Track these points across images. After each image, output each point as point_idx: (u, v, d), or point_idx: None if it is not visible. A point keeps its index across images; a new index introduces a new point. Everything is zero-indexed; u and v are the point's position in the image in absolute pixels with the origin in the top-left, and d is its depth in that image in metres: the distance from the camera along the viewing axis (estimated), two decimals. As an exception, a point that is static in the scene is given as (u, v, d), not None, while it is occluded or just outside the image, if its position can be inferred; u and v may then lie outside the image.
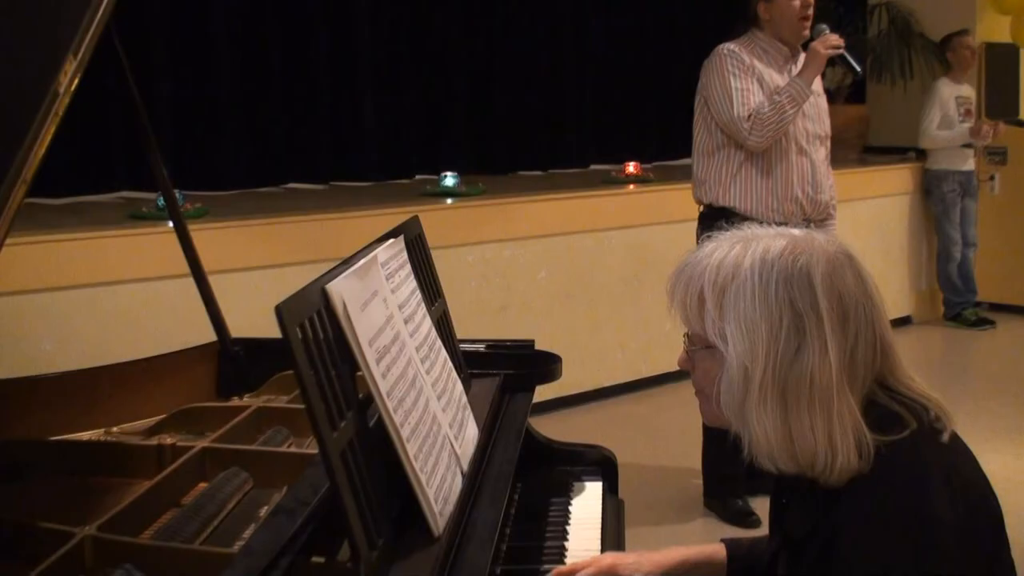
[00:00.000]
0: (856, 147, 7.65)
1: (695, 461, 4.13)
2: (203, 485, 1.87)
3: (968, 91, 7.06)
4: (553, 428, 2.54)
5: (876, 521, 1.33)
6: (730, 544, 1.81)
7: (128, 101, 2.22)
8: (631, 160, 6.29)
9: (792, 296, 1.37)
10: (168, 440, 2.02)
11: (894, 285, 7.16)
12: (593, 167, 7.16)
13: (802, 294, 1.37)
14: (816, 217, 3.93)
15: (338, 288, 1.44)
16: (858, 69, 3.97)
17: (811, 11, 3.79)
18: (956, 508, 1.34)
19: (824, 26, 3.82)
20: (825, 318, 1.37)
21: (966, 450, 1.47)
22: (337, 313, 1.42)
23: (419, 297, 1.83)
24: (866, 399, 1.41)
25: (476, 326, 4.57)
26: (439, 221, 4.88)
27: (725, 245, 1.45)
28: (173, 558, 1.53)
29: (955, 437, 1.45)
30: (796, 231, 1.47)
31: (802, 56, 3.86)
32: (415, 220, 2.08)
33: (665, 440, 4.77)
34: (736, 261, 1.42)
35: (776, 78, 3.82)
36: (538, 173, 6.94)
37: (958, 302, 7.12)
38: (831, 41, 3.76)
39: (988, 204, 7.27)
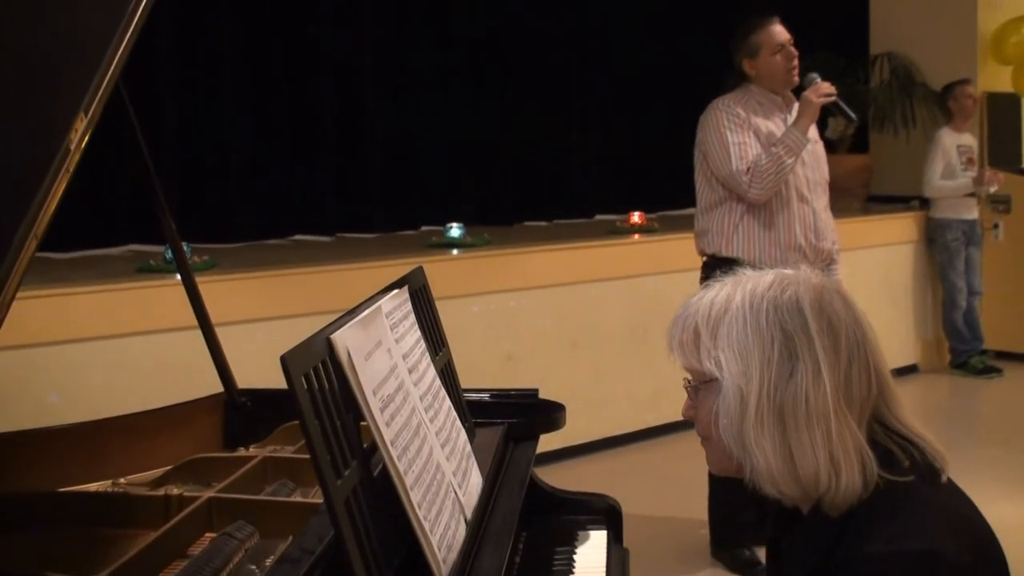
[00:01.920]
0: (860, 196, 7.70)
1: (702, 511, 4.12)
2: (210, 535, 1.87)
3: (970, 140, 7.11)
4: (559, 477, 2.55)
5: (883, 561, 1.34)
6: None
7: (137, 155, 2.26)
8: (636, 210, 6.33)
9: (782, 320, 1.41)
10: (175, 490, 2.03)
11: (900, 333, 7.16)
12: (598, 217, 7.22)
13: (792, 318, 1.41)
14: (820, 265, 3.95)
15: (343, 338, 1.46)
16: (852, 116, 3.98)
17: (796, 61, 3.83)
18: (962, 550, 1.34)
19: (815, 75, 3.84)
20: (816, 340, 1.40)
21: (964, 494, 1.48)
22: (342, 363, 1.44)
23: (423, 347, 1.85)
24: (867, 435, 1.42)
25: (482, 376, 4.59)
26: (445, 272, 4.91)
27: (716, 287, 1.51)
28: (179, 608, 1.54)
29: (951, 481, 1.46)
30: (785, 269, 1.51)
31: (796, 104, 3.88)
32: (419, 271, 2.10)
33: (672, 490, 4.76)
34: (727, 297, 1.47)
35: (772, 128, 3.84)
36: (543, 224, 7.00)
37: (964, 350, 7.11)
38: (823, 89, 3.77)
39: (992, 252, 7.30)
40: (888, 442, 1.43)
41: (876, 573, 1.33)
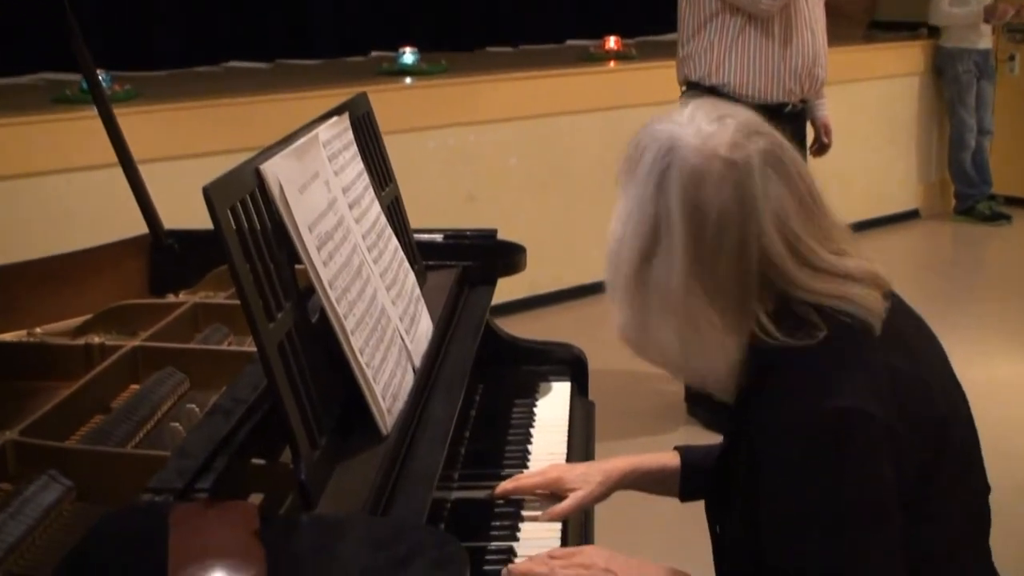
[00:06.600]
0: (862, 22, 7.65)
1: (677, 365, 4.20)
2: (135, 387, 1.90)
3: (985, -42, 7.03)
4: (522, 327, 2.59)
5: (799, 416, 1.38)
6: (684, 451, 1.89)
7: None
8: (612, 34, 6.27)
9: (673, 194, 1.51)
10: (96, 339, 2.05)
11: (900, 175, 7.21)
12: (569, 42, 7.14)
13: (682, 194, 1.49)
14: (812, 96, 3.93)
15: (274, 168, 1.45)
16: None
17: None
18: (888, 409, 1.37)
19: None
20: (676, 227, 1.47)
21: (906, 345, 1.49)
22: (273, 196, 1.44)
23: (367, 181, 1.85)
24: (777, 307, 1.43)
25: (440, 219, 4.55)
26: (397, 102, 4.88)
27: (701, 115, 1.52)
28: (101, 463, 1.57)
29: (894, 333, 1.46)
30: (765, 127, 1.49)
31: None
32: (362, 97, 2.09)
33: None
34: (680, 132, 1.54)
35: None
36: (508, 49, 6.92)
37: (971, 194, 7.17)
38: None
39: (1007, 87, 7.28)
40: (806, 311, 1.43)
41: (792, 428, 1.38)
